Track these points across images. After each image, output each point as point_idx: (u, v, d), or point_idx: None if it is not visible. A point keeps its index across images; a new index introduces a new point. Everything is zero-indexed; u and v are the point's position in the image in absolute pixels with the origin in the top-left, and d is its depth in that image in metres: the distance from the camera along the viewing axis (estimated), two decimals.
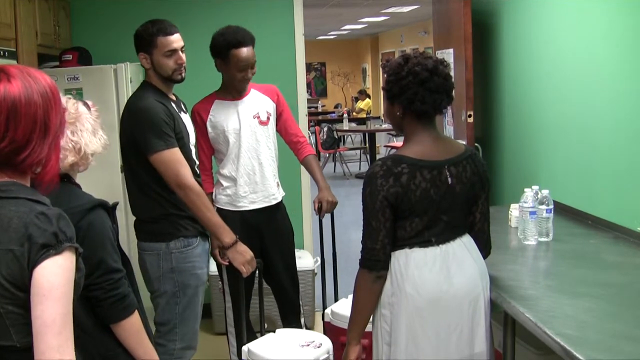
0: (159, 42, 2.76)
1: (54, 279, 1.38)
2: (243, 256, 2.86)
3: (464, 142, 3.92)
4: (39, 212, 1.41)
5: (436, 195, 2.10)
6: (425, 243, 2.13)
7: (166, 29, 2.78)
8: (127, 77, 3.95)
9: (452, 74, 2.24)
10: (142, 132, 2.68)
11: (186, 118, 2.92)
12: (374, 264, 2.12)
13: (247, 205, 3.22)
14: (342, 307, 3.50)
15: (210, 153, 3.25)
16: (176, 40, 2.81)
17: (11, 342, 1.42)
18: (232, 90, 3.21)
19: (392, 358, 2.19)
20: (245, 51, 3.07)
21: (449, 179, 2.12)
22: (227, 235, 2.83)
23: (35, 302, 1.37)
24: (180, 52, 2.81)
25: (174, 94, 2.93)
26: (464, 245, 2.19)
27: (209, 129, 3.19)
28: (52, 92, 1.47)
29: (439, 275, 2.12)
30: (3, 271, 1.38)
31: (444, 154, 2.15)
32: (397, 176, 2.07)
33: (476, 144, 3.98)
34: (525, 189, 2.79)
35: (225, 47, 3.07)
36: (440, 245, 2.14)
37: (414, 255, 2.13)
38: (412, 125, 2.18)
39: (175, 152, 2.70)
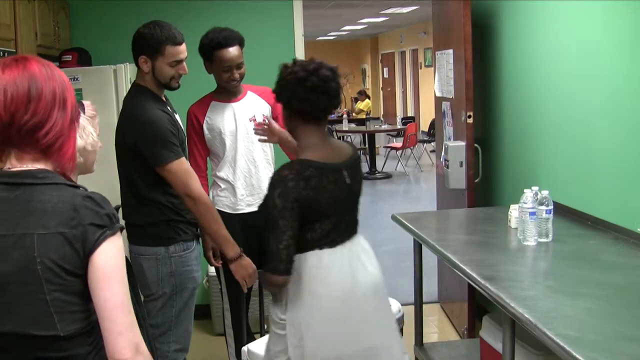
0: (167, 51, 2.67)
1: (115, 260, 1.43)
2: (245, 270, 2.83)
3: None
4: (85, 195, 1.45)
5: (340, 196, 2.23)
6: (332, 243, 2.23)
7: (175, 37, 2.69)
8: (127, 77, 3.94)
9: (344, 82, 2.29)
10: (150, 145, 2.62)
11: (178, 119, 2.89)
12: (277, 265, 2.15)
13: (244, 208, 3.22)
14: None
15: (205, 154, 3.24)
16: (183, 50, 2.73)
17: (54, 331, 1.42)
18: (226, 91, 3.21)
19: (309, 355, 2.22)
20: (228, 52, 3.05)
21: (347, 180, 2.26)
22: (232, 249, 2.80)
23: (102, 285, 1.40)
24: (184, 63, 2.75)
25: (164, 95, 2.89)
26: (362, 244, 2.34)
27: (206, 131, 3.18)
28: (66, 79, 1.51)
29: (348, 273, 2.23)
30: (52, 255, 1.39)
31: (339, 157, 2.27)
32: (308, 180, 2.14)
33: (476, 145, 3.98)
34: (525, 190, 2.79)
35: (210, 48, 3.06)
36: (345, 243, 2.26)
37: (325, 256, 2.21)
38: (301, 128, 2.27)
39: (183, 162, 2.68)
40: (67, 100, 1.49)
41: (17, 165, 1.46)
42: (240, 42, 3.12)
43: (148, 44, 2.67)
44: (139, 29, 2.72)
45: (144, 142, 2.63)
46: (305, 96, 2.19)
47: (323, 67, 2.22)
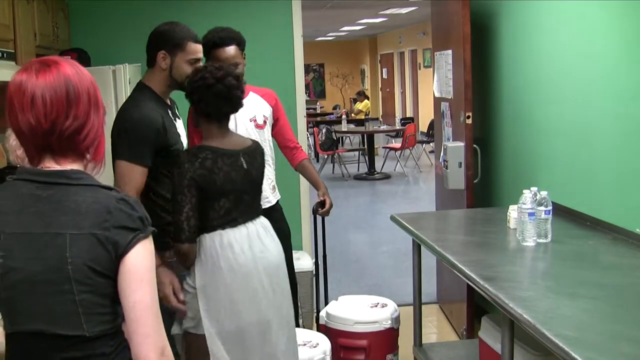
0: (189, 47, 2.65)
1: (147, 262, 1.44)
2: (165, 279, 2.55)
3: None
4: (119, 198, 1.45)
5: (236, 178, 2.51)
6: (233, 222, 2.51)
7: (196, 36, 2.70)
8: (126, 78, 3.94)
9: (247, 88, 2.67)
10: (123, 137, 2.55)
11: (179, 125, 2.84)
12: (179, 234, 2.41)
13: None
14: (336, 309, 3.50)
15: None
16: (201, 50, 2.73)
17: (81, 331, 1.42)
18: None
19: (214, 322, 2.47)
20: (224, 51, 3.06)
21: (244, 164, 2.55)
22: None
23: (133, 287, 1.41)
24: (200, 63, 2.73)
25: (169, 98, 2.85)
26: (263, 224, 2.63)
27: None
28: (92, 77, 1.51)
29: (249, 251, 2.50)
30: (84, 256, 1.39)
31: (237, 145, 2.57)
32: (203, 161, 2.44)
33: (475, 145, 3.98)
34: (524, 191, 2.79)
35: (207, 47, 3.06)
36: (246, 224, 2.54)
37: (227, 235, 2.49)
38: (205, 125, 2.56)
39: (134, 169, 2.53)
40: (98, 99, 1.49)
41: (53, 167, 1.46)
42: (238, 43, 3.11)
43: (170, 39, 2.65)
44: (156, 28, 2.69)
45: (119, 131, 2.56)
46: (211, 101, 2.48)
47: (230, 75, 2.50)
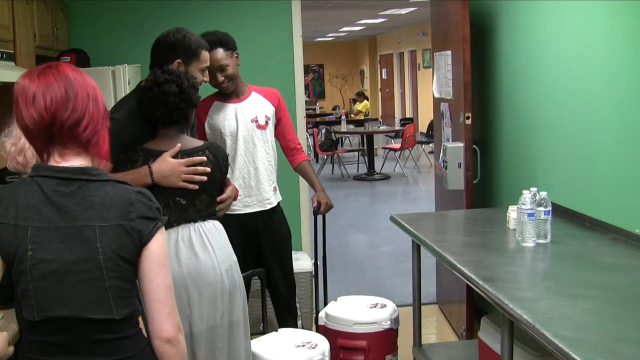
0: (202, 56, 2.69)
1: (165, 248, 1.62)
2: (167, 165, 2.46)
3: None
4: (137, 191, 1.61)
5: None
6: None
7: (207, 44, 2.74)
8: (125, 78, 3.94)
9: (197, 96, 2.55)
10: None
11: None
12: None
13: (241, 208, 3.22)
14: (335, 310, 3.49)
15: None
16: (209, 57, 2.78)
17: (110, 315, 1.56)
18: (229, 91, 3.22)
19: None
20: (210, 55, 3.06)
21: None
22: (142, 176, 2.43)
23: (156, 271, 1.58)
24: (207, 71, 2.77)
25: None
26: (203, 231, 2.49)
27: (207, 130, 3.20)
28: (94, 82, 1.63)
29: (175, 257, 2.42)
30: (113, 246, 1.54)
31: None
32: (134, 162, 2.46)
33: (474, 146, 3.98)
34: (524, 191, 2.79)
35: None
36: (178, 228, 2.46)
37: None
38: (158, 125, 2.53)
39: None
40: (98, 97, 1.61)
41: (61, 161, 1.58)
42: (224, 45, 3.09)
43: (187, 48, 2.66)
44: (169, 36, 2.67)
45: None
46: (145, 104, 2.49)
47: (172, 82, 2.46)
